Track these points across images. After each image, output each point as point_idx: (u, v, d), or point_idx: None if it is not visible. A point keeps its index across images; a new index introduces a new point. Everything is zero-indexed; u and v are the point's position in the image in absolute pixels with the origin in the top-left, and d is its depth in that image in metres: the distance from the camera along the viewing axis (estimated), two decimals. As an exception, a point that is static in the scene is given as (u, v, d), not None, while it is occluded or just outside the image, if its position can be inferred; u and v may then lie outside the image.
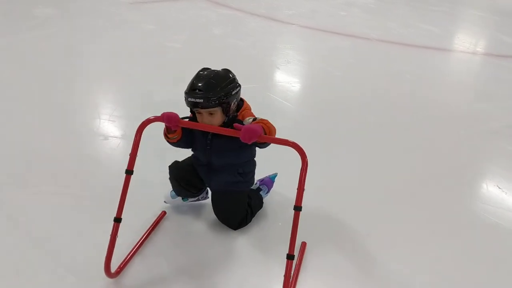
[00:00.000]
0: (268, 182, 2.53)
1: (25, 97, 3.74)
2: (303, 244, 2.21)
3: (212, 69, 2.05)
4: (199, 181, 2.27)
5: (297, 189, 1.75)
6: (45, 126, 3.29)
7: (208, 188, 2.40)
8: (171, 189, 2.38)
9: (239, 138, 1.84)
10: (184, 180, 2.25)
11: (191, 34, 5.50)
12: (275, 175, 2.59)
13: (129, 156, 1.91)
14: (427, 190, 2.74)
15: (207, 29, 5.70)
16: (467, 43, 5.72)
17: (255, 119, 2.00)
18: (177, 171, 2.27)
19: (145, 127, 1.92)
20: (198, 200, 2.48)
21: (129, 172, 1.91)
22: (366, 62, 4.90)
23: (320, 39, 5.57)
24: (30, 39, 5.00)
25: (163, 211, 2.41)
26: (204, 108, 1.95)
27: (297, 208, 1.73)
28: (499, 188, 2.77)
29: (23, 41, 4.94)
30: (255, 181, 2.45)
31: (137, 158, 1.92)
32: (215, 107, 1.95)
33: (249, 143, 1.82)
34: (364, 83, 4.31)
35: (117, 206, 1.90)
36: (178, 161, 2.32)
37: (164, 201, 2.45)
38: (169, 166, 2.30)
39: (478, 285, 2.08)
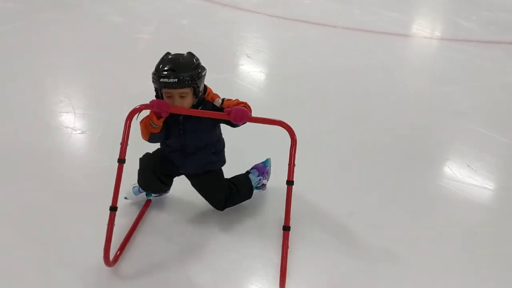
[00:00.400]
0: (260, 166, 2.48)
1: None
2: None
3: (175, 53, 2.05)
4: (174, 168, 2.26)
5: (288, 165, 1.83)
6: (22, 124, 3.24)
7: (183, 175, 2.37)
8: (133, 185, 2.35)
9: (209, 118, 1.96)
10: (158, 168, 2.23)
11: (159, 25, 5.45)
12: (267, 160, 2.56)
13: (120, 145, 1.94)
14: (401, 172, 2.87)
15: (175, 19, 5.66)
16: (429, 28, 5.91)
17: (223, 99, 2.05)
18: (150, 157, 2.26)
19: (134, 115, 1.95)
20: (161, 194, 2.46)
21: (121, 161, 1.93)
22: (333, 49, 4.99)
23: (287, 28, 5.62)
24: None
25: (148, 199, 2.43)
26: (178, 88, 1.94)
27: (290, 182, 1.82)
28: (469, 166, 2.93)
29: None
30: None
31: (115, 147, 1.95)
32: (188, 87, 1.95)
33: (240, 124, 1.90)
34: (332, 70, 4.38)
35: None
36: (149, 152, 2.30)
37: (125, 197, 2.38)
38: (141, 158, 2.27)
39: (452, 258, 2.22)
